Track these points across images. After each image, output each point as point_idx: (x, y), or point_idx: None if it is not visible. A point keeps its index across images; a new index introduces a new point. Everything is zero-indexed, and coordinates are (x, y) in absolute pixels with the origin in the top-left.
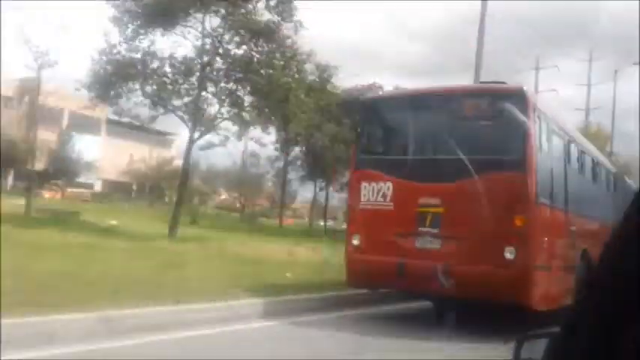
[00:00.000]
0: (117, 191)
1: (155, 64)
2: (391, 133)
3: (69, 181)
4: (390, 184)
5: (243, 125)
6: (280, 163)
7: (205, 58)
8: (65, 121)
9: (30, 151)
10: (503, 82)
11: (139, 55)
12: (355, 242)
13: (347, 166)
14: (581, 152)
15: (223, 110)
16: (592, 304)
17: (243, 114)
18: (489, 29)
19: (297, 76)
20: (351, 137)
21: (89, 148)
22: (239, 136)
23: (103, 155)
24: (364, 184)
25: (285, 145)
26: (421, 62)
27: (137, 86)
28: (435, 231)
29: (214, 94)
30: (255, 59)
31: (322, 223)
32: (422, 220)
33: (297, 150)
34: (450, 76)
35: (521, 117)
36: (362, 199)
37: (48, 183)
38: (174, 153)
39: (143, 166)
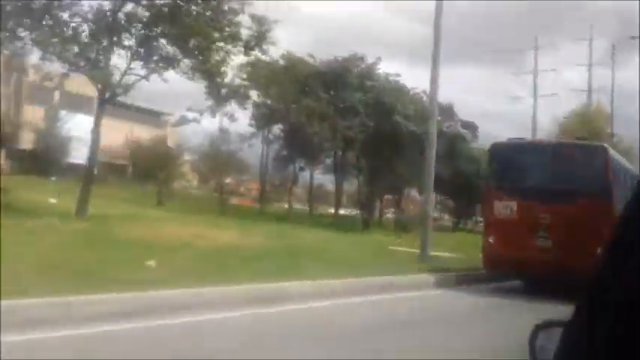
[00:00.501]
0: (111, 172)
1: (58, 10)
2: (516, 169)
3: (58, 161)
4: (515, 203)
5: (218, 99)
6: (254, 141)
7: (118, 4)
8: (56, 100)
9: (16, 129)
10: (590, 140)
11: None
12: (491, 240)
13: (331, 145)
14: (632, 177)
15: (135, 65)
16: (601, 296)
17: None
18: (490, 9)
19: (227, 28)
20: (329, 112)
21: (80, 127)
22: (213, 112)
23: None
24: (497, 202)
25: (261, 121)
26: (418, 42)
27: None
28: (549, 235)
29: (126, 48)
30: (182, 9)
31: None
32: (540, 228)
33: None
34: (446, 56)
35: (604, 163)
36: (495, 213)
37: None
38: (168, 132)
39: (136, 147)
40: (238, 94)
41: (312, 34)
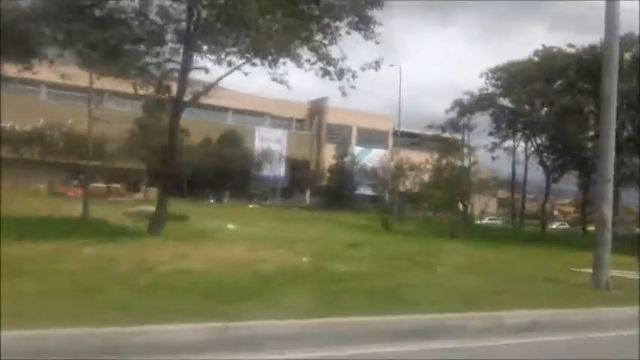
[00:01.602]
0: (407, 202)
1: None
2: None
3: (351, 194)
4: None
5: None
6: (497, 152)
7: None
8: (354, 137)
9: (318, 168)
10: None
11: None
12: None
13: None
14: None
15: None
16: None
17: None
18: None
19: None
20: (589, 107)
21: (376, 161)
22: (454, 127)
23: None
24: None
25: (509, 129)
26: None
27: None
28: None
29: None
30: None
31: None
32: None
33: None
34: None
35: None
36: None
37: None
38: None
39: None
40: (485, 103)
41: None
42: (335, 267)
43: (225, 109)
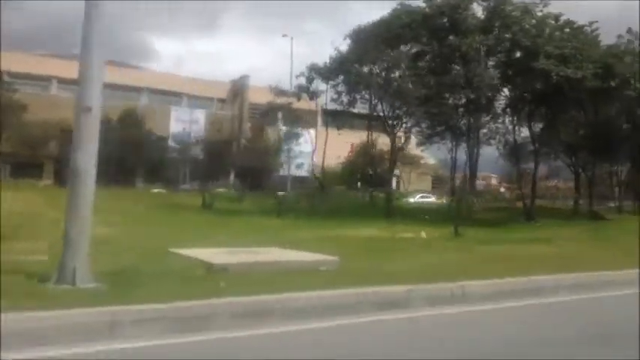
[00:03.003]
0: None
1: None
2: None
3: (270, 175)
4: None
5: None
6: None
7: None
8: (280, 117)
9: (239, 150)
10: None
11: None
12: None
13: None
14: None
15: None
16: None
17: None
18: None
19: None
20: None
21: (303, 140)
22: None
23: (318, 147)
24: None
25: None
26: None
27: None
28: None
29: None
30: None
31: None
32: None
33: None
34: None
35: None
36: None
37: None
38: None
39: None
40: (338, 67)
41: None
42: None
43: (138, 89)
